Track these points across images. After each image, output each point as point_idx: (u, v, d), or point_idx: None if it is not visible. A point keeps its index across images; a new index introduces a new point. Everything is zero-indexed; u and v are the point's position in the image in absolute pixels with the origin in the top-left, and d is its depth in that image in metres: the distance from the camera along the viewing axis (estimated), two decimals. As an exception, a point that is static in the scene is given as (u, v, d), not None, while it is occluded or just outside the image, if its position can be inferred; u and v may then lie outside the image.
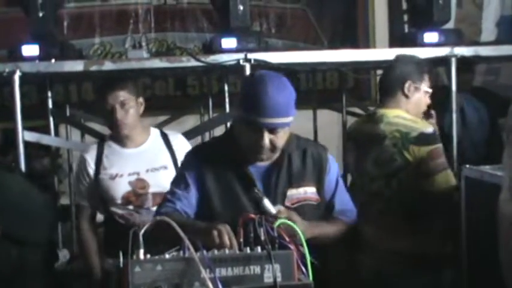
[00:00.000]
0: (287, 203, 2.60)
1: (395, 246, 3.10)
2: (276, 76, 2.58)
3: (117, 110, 3.50)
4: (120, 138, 3.60)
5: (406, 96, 3.40)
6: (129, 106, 3.55)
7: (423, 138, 3.20)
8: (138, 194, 3.51)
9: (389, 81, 3.46)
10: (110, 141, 3.64)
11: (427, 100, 3.47)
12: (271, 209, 2.46)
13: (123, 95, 3.53)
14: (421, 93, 3.44)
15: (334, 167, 2.77)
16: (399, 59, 3.61)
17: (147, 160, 3.55)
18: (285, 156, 2.64)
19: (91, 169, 3.58)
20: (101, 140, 3.73)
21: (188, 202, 2.61)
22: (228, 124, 4.37)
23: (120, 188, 3.51)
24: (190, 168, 2.66)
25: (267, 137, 2.49)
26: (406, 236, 3.07)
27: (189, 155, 2.76)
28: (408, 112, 3.38)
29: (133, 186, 3.51)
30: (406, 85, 3.40)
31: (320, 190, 2.69)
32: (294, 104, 2.55)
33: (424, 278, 3.11)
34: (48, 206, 3.60)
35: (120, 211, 3.52)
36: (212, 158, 2.64)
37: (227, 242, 2.13)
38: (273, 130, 2.49)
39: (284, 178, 2.63)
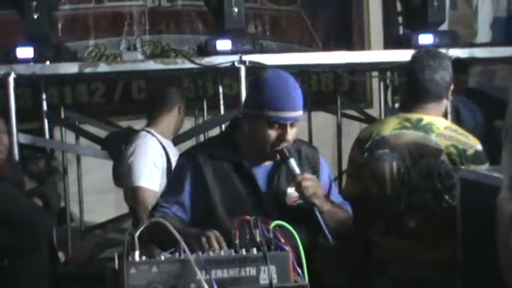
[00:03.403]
0: (288, 202, 2.64)
1: (436, 256, 2.97)
2: (285, 72, 2.66)
3: None
4: None
5: (446, 101, 3.17)
6: None
7: (479, 157, 3.03)
8: None
9: (436, 84, 3.08)
10: None
11: None
12: (296, 169, 2.56)
13: None
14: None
15: (326, 167, 2.84)
16: (439, 58, 3.17)
17: None
18: None
19: None
20: None
21: (182, 207, 2.60)
22: (223, 126, 4.37)
23: None
24: (186, 171, 2.64)
25: (290, 131, 2.55)
26: (447, 245, 2.93)
27: (185, 157, 2.74)
28: None
29: None
30: (451, 89, 3.16)
31: None
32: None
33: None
34: (37, 212, 3.55)
35: None
36: (211, 159, 2.64)
37: (216, 246, 2.14)
38: (292, 123, 2.56)
39: (284, 177, 2.66)
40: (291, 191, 2.64)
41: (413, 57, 3.22)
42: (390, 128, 3.11)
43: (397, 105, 7.02)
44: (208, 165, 2.62)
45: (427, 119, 3.08)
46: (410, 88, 3.19)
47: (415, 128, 3.07)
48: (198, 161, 2.64)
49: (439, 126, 3.07)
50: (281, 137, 2.55)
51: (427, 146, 3.02)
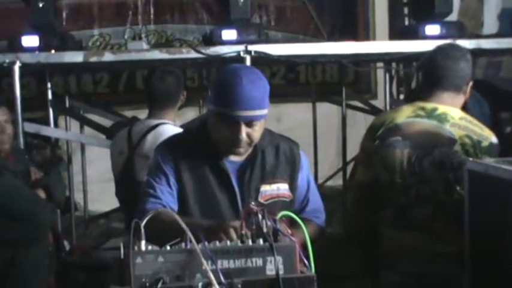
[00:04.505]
0: (260, 199, 2.56)
1: (445, 248, 2.93)
2: (250, 69, 2.57)
3: None
4: None
5: (463, 97, 3.11)
6: None
7: (493, 149, 2.97)
8: None
9: (455, 76, 3.06)
10: None
11: None
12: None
13: None
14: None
15: (306, 164, 2.74)
16: (463, 51, 3.16)
17: None
18: (258, 152, 2.59)
19: None
20: None
21: (172, 197, 2.54)
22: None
23: None
24: (167, 162, 2.57)
25: (243, 130, 2.45)
26: (456, 238, 2.89)
27: (163, 148, 2.66)
28: None
29: None
30: (470, 85, 3.12)
31: (292, 186, 2.65)
32: (268, 96, 2.50)
33: None
34: (38, 204, 3.55)
35: None
36: (187, 152, 2.58)
37: (234, 237, 2.11)
38: (249, 123, 2.45)
39: (257, 174, 2.58)
40: (264, 189, 2.57)
41: (438, 47, 3.20)
42: (404, 116, 3.05)
43: (402, 96, 7.01)
44: (183, 158, 2.55)
45: (442, 108, 3.03)
46: (428, 76, 3.12)
47: (429, 116, 3.02)
48: (174, 154, 2.57)
49: (453, 116, 3.02)
50: (234, 135, 2.46)
51: (440, 136, 2.98)
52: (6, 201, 3.34)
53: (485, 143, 2.97)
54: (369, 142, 3.11)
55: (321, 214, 2.79)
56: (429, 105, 3.05)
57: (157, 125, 3.72)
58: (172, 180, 2.55)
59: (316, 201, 2.77)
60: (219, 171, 2.55)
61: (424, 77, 3.19)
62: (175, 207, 2.53)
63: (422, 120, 3.03)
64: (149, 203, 2.50)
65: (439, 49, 3.18)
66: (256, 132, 2.49)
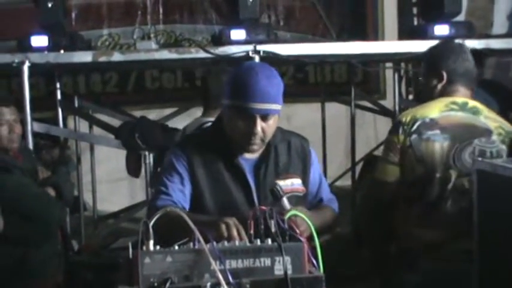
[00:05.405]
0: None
1: (468, 245, 2.90)
2: (265, 65, 2.61)
3: None
4: None
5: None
6: None
7: None
8: None
9: (472, 72, 3.15)
10: None
11: None
12: (288, 207, 2.41)
13: None
14: None
15: (316, 160, 2.80)
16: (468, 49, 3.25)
17: None
18: (271, 149, 2.63)
19: None
20: None
21: (184, 195, 2.57)
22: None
23: None
24: (180, 161, 2.60)
25: (259, 124, 2.49)
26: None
27: (177, 148, 2.69)
28: None
29: None
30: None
31: (305, 181, 2.69)
32: (282, 93, 2.55)
33: None
34: (49, 202, 3.56)
35: None
36: (201, 150, 2.61)
37: (235, 234, 2.12)
38: (265, 117, 2.49)
39: (272, 170, 2.63)
40: (279, 184, 2.59)
41: (448, 43, 3.29)
42: (437, 110, 3.05)
43: (411, 96, 6.99)
44: (198, 157, 2.59)
45: (471, 102, 3.08)
46: (451, 72, 3.12)
47: (463, 110, 3.05)
48: (188, 153, 2.61)
49: (483, 109, 3.08)
50: (250, 130, 2.50)
51: (477, 127, 3.02)
52: (18, 198, 3.35)
53: None
54: (398, 138, 3.06)
55: (334, 203, 2.85)
56: (459, 99, 3.08)
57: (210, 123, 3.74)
58: (185, 178, 2.58)
59: (328, 193, 2.84)
60: (234, 168, 2.59)
61: (447, 73, 3.16)
62: (186, 205, 2.56)
63: (457, 113, 3.05)
64: (160, 200, 2.54)
65: (450, 45, 3.22)
66: (270, 127, 2.53)
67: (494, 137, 3.01)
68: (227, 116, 2.57)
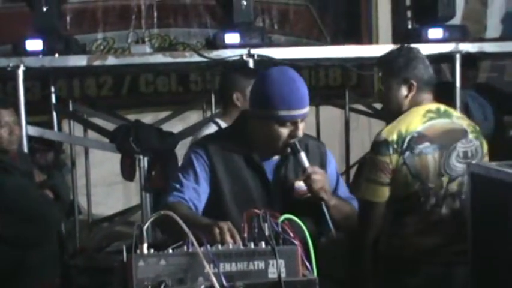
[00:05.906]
0: (296, 195, 2.64)
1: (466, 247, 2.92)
2: (290, 69, 2.65)
3: None
4: None
5: None
6: None
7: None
8: None
9: (433, 77, 3.24)
10: None
11: None
12: (306, 162, 2.58)
13: None
14: None
15: (333, 161, 2.85)
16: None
17: None
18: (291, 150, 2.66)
19: None
20: None
21: (197, 194, 2.60)
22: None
23: None
24: (200, 161, 2.65)
25: (301, 127, 2.57)
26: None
27: (197, 147, 2.72)
28: None
29: None
30: None
31: None
32: None
33: None
34: (47, 203, 3.56)
35: None
36: (222, 151, 2.65)
37: (229, 239, 2.12)
38: (302, 120, 2.57)
39: (292, 171, 2.68)
40: (299, 184, 2.65)
41: (404, 49, 3.30)
42: (419, 122, 3.07)
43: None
44: (219, 156, 2.63)
45: (441, 107, 3.15)
46: (420, 80, 3.16)
47: (440, 116, 3.12)
48: (209, 152, 2.64)
49: (452, 110, 3.20)
50: (292, 134, 2.56)
51: (456, 130, 3.10)
52: (17, 199, 3.36)
53: (477, 127, 3.19)
54: (391, 158, 3.03)
55: (354, 201, 2.89)
56: (431, 106, 3.14)
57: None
58: (202, 177, 2.62)
59: (347, 192, 2.88)
60: (255, 167, 2.65)
61: (417, 82, 3.16)
62: (199, 203, 2.60)
63: (437, 121, 3.11)
64: (171, 196, 2.58)
65: (412, 52, 3.24)
66: (304, 126, 2.61)
67: (470, 136, 3.11)
68: (262, 125, 2.60)
